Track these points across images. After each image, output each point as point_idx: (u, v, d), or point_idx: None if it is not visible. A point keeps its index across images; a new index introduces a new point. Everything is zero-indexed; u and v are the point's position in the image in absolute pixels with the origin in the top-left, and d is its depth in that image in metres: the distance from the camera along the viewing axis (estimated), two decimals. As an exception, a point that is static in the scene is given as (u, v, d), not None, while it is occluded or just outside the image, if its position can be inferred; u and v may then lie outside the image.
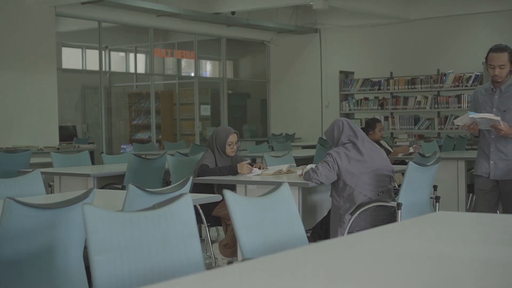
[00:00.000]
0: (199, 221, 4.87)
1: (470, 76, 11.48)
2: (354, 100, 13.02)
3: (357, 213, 4.46)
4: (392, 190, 4.69)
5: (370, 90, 12.77)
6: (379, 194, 4.57)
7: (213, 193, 5.15)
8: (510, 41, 12.28)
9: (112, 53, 14.05)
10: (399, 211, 4.30)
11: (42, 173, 4.37)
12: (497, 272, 1.91)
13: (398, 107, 12.42)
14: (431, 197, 4.77)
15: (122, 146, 12.63)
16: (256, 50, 15.74)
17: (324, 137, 11.96)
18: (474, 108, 4.84)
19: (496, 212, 5.00)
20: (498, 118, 4.50)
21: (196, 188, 5.28)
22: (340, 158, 4.56)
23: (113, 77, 14.17)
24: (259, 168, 5.44)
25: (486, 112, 4.69)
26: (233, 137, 5.51)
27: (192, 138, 13.93)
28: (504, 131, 4.55)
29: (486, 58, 4.71)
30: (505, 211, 4.87)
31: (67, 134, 11.86)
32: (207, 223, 5.17)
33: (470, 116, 4.55)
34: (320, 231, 4.82)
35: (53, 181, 6.10)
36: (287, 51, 15.14)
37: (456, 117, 11.62)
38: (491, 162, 4.77)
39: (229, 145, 5.49)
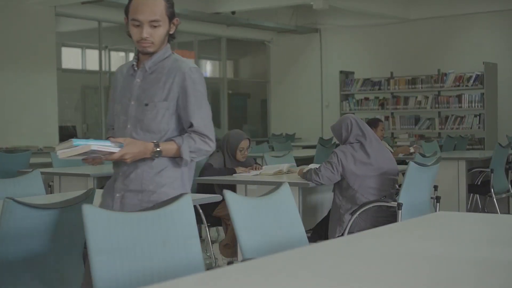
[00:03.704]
0: (199, 221, 4.86)
1: (471, 76, 11.48)
2: (354, 100, 13.02)
3: (357, 213, 4.45)
4: (394, 195, 4.66)
5: (370, 90, 12.76)
6: (382, 198, 4.55)
7: (215, 193, 5.15)
8: (511, 41, 12.30)
9: (112, 53, 14.03)
10: (399, 211, 4.29)
11: (42, 173, 4.36)
12: (497, 273, 1.91)
13: (398, 107, 12.41)
14: (431, 197, 4.76)
15: (122, 146, 12.59)
16: (256, 50, 15.73)
17: (325, 137, 11.99)
18: (112, 101, 2.97)
19: None
20: (115, 150, 2.67)
21: (200, 188, 5.30)
22: (346, 159, 4.53)
23: (113, 77, 14.15)
24: (255, 170, 5.44)
25: (123, 108, 2.87)
26: (244, 143, 5.49)
27: (192, 138, 13.91)
28: (126, 158, 2.72)
29: (127, 10, 2.80)
30: None
31: (67, 134, 11.84)
32: (207, 223, 5.17)
33: (75, 145, 2.64)
34: (320, 231, 4.81)
35: (53, 181, 6.09)
36: (287, 51, 15.13)
37: (456, 118, 11.67)
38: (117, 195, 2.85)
39: (240, 151, 5.48)
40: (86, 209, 2.18)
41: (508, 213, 7.53)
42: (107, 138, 2.80)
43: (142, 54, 2.85)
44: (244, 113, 15.91)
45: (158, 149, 2.73)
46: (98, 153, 2.66)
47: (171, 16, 2.80)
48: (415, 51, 13.29)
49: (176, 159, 2.78)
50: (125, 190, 2.80)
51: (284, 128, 14.68)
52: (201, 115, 2.79)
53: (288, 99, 15.11)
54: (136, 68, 2.87)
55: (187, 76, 2.78)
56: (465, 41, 12.82)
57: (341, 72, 13.27)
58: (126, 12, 2.81)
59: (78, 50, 13.60)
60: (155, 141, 2.75)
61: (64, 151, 2.66)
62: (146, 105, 2.80)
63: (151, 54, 2.82)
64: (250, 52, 16.17)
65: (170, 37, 2.85)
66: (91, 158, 2.69)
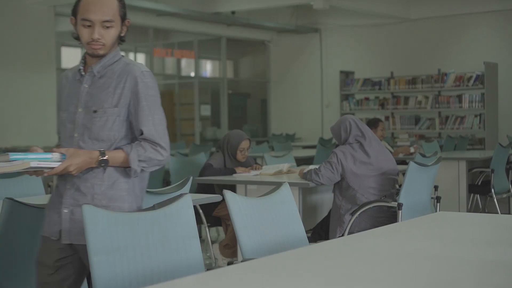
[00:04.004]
0: (199, 221, 4.86)
1: (471, 76, 11.46)
2: (354, 100, 13.01)
3: (358, 213, 4.45)
4: (394, 194, 4.65)
5: (370, 90, 12.75)
6: (382, 198, 4.55)
7: (215, 193, 5.14)
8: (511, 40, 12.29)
9: (112, 53, 14.04)
10: (400, 211, 4.29)
11: (41, 173, 4.35)
12: (498, 273, 1.91)
13: (398, 107, 12.40)
14: (431, 198, 4.75)
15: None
16: (256, 50, 15.73)
17: (325, 137, 11.99)
18: (60, 108, 2.76)
19: None
20: (56, 164, 2.48)
21: (200, 188, 5.29)
22: (346, 158, 4.53)
23: (113, 77, 14.17)
24: (255, 169, 5.44)
25: (69, 116, 2.66)
26: (245, 144, 5.47)
27: (192, 138, 13.92)
28: (71, 170, 2.50)
29: (75, 10, 2.62)
30: None
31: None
32: (207, 223, 5.16)
33: (12, 159, 2.44)
34: (320, 231, 4.81)
35: (52, 181, 6.09)
36: (287, 51, 15.13)
37: (456, 118, 11.66)
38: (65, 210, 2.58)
39: (241, 151, 5.46)
40: (86, 209, 2.17)
41: (509, 213, 7.53)
42: (56, 146, 2.63)
43: (90, 57, 2.64)
44: (244, 113, 15.90)
45: (104, 157, 2.52)
46: (38, 169, 2.45)
47: (124, 17, 2.63)
48: (415, 51, 13.29)
49: (126, 169, 2.58)
50: (75, 205, 2.54)
51: (284, 128, 14.68)
52: (153, 122, 2.61)
53: (288, 99, 15.10)
54: (83, 73, 2.65)
55: (139, 80, 2.59)
56: (466, 41, 12.81)
57: (341, 72, 13.26)
58: (74, 12, 2.60)
59: (78, 50, 13.60)
60: (102, 149, 2.55)
61: (0, 166, 2.41)
62: (95, 112, 2.59)
63: (100, 57, 2.62)
64: (250, 52, 16.17)
65: (120, 40, 2.66)
66: (32, 171, 2.46)
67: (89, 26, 2.56)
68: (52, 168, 2.46)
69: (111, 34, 2.59)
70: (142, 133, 2.59)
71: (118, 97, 2.59)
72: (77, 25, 2.60)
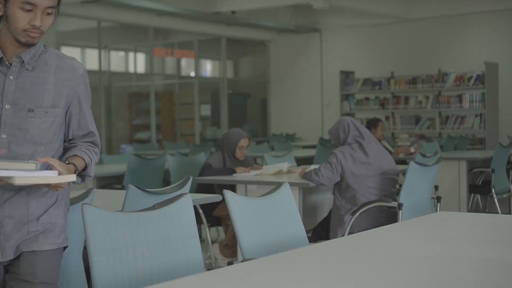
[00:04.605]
0: (199, 221, 4.86)
1: (472, 76, 11.46)
2: (354, 100, 13.01)
3: (358, 213, 4.45)
4: (395, 194, 4.65)
5: (370, 90, 12.75)
6: (382, 198, 4.54)
7: (215, 193, 5.14)
8: None
9: (112, 52, 14.03)
10: (400, 211, 4.29)
11: (41, 173, 4.34)
12: (498, 273, 1.90)
13: (399, 107, 12.40)
14: (432, 198, 4.75)
15: (121, 146, 12.62)
16: (256, 50, 15.73)
17: (325, 137, 11.99)
18: None
19: None
20: (55, 173, 2.19)
21: (200, 188, 5.29)
22: (345, 159, 4.53)
23: (113, 77, 14.15)
24: (255, 169, 5.43)
25: None
26: (244, 141, 5.48)
27: (192, 138, 13.92)
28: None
29: None
30: None
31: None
32: (207, 223, 5.16)
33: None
34: (321, 231, 4.81)
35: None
36: (287, 51, 15.13)
37: (457, 117, 11.65)
38: None
39: (240, 149, 5.46)
40: (86, 209, 2.17)
41: (509, 213, 7.52)
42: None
43: (11, 45, 2.26)
44: (244, 113, 15.90)
45: (83, 172, 2.36)
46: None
47: (59, 5, 2.29)
48: (415, 50, 13.29)
49: (82, 177, 2.39)
50: (4, 217, 2.29)
51: (284, 128, 14.68)
52: (94, 124, 2.45)
53: (288, 99, 15.10)
54: (7, 62, 2.27)
55: (83, 80, 2.39)
56: (466, 41, 12.81)
57: (341, 72, 13.26)
58: None
59: (78, 50, 13.60)
60: (68, 159, 2.31)
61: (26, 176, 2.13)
62: (31, 111, 2.27)
63: (28, 46, 2.26)
64: (250, 52, 16.17)
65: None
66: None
67: (29, 10, 2.20)
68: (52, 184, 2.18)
69: (49, 22, 2.25)
70: (88, 136, 2.42)
71: (59, 96, 2.33)
72: (9, 7, 2.21)
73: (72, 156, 2.35)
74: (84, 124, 2.42)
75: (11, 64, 2.28)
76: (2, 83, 2.27)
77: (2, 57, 2.27)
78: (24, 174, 2.11)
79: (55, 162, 2.20)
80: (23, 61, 2.28)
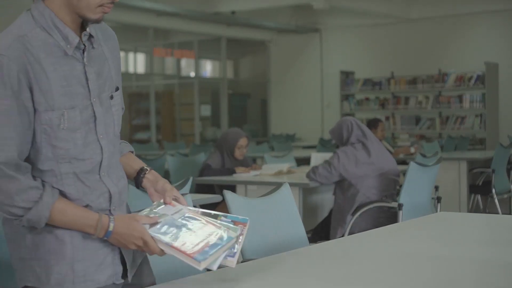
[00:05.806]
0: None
1: (472, 76, 11.46)
2: (354, 100, 13.00)
3: (358, 213, 4.44)
4: (395, 195, 4.65)
5: (371, 90, 12.75)
6: (383, 198, 4.54)
7: (215, 193, 5.14)
8: None
9: (112, 53, 14.03)
10: (400, 211, 4.28)
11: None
12: (499, 273, 1.90)
13: (399, 107, 12.39)
14: (432, 198, 4.74)
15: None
16: (256, 50, 15.72)
17: (325, 138, 11.98)
18: (22, 113, 1.72)
19: None
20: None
21: (200, 188, 5.28)
22: (348, 159, 4.52)
23: (113, 77, 14.17)
24: (255, 169, 5.43)
25: (83, 115, 1.76)
26: (243, 141, 5.47)
27: (192, 138, 13.92)
28: None
29: None
30: None
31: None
32: (207, 223, 5.15)
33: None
34: (321, 232, 4.80)
35: (52, 181, 6.06)
36: (287, 51, 15.13)
37: (457, 118, 11.65)
38: None
39: (239, 148, 5.46)
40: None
41: (510, 213, 7.52)
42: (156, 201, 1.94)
43: (72, 21, 1.76)
44: (244, 113, 15.90)
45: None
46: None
47: None
48: (415, 51, 13.28)
49: None
50: None
51: (284, 128, 14.68)
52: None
53: (288, 99, 15.10)
54: (81, 44, 1.77)
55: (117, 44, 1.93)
56: (466, 41, 12.81)
57: (341, 72, 13.26)
58: None
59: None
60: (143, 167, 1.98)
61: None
62: (111, 97, 1.85)
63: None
64: (250, 52, 16.17)
65: None
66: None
67: None
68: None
69: None
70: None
71: (117, 71, 1.90)
72: None
73: (143, 168, 1.98)
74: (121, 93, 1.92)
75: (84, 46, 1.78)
76: (83, 73, 1.77)
77: (78, 40, 1.76)
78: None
79: (180, 197, 1.91)
80: (91, 37, 1.79)
